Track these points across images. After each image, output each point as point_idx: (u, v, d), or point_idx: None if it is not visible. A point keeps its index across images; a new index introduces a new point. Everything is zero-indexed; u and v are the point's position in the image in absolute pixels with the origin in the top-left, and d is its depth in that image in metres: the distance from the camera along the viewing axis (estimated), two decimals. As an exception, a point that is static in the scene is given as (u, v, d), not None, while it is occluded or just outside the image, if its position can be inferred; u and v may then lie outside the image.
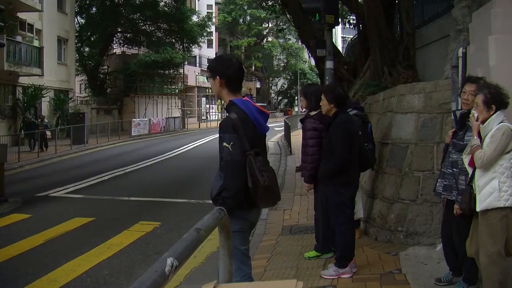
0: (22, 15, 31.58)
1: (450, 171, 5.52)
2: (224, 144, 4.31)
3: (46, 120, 29.59)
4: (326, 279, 6.24)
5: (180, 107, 53.24)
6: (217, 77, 4.51)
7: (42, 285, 6.91)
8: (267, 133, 4.72)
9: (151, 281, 2.11)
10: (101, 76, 49.57)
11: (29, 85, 32.08)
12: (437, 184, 5.76)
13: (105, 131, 34.61)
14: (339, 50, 20.93)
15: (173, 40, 50.09)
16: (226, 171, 4.37)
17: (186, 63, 54.32)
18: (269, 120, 5.04)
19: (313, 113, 7.06)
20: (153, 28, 49.75)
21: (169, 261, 2.30)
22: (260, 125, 4.49)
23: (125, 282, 6.96)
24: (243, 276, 4.44)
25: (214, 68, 4.59)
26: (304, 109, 7.87)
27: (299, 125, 9.97)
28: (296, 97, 75.87)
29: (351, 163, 6.20)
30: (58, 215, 11.18)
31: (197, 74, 62.26)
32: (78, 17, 45.86)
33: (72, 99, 38.86)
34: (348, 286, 6.06)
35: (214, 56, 68.93)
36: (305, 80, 76.65)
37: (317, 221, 7.26)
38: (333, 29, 12.89)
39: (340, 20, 14.70)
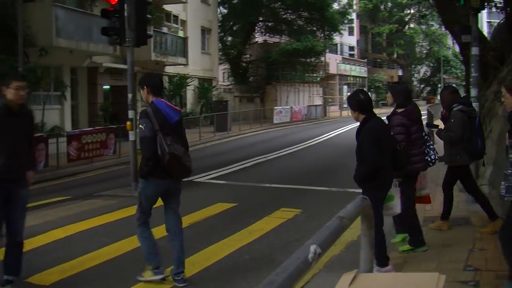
0: (167, 7, 32.74)
1: (511, 171, 5.13)
2: (139, 125, 6.30)
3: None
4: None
5: (321, 95, 52.96)
6: (145, 87, 6.44)
7: (185, 267, 6.78)
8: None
9: (294, 267, 2.16)
10: (244, 64, 50.40)
11: (175, 74, 33.21)
12: (501, 186, 5.23)
13: (247, 119, 35.04)
14: (485, 36, 19.70)
15: (314, 28, 49.79)
16: (141, 144, 6.46)
17: (327, 51, 53.84)
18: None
19: (400, 110, 7.14)
20: (294, 16, 49.64)
21: (312, 248, 2.33)
22: (170, 116, 6.31)
23: (265, 267, 6.76)
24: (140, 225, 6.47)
25: (143, 81, 6.56)
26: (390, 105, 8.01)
27: (439, 114, 9.18)
28: (439, 85, 72.79)
29: (383, 167, 6.21)
30: (202, 200, 11.21)
31: (338, 62, 61.51)
32: (220, 7, 46.83)
33: (216, 88, 39.75)
34: (492, 282, 5.60)
35: (355, 43, 68.12)
36: (448, 68, 73.47)
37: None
38: (479, 14, 11.86)
39: (485, 4, 13.56)
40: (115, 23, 12.97)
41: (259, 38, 52.80)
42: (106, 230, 9.07)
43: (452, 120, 7.63)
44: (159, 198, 6.50)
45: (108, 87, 28.32)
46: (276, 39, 50.98)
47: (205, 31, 39.31)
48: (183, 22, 35.67)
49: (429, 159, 7.11)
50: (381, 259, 6.15)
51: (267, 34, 51.19)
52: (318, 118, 46.36)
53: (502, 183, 5.24)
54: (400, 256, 6.75)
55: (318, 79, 54.11)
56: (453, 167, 8.08)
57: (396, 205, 6.68)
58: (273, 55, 46.67)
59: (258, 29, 51.26)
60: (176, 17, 34.56)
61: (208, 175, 14.79)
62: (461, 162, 7.89)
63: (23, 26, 17.96)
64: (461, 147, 7.70)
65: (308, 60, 49.96)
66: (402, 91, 7.36)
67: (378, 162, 6.16)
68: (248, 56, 50.83)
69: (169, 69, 33.13)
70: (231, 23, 49.29)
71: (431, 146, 7.17)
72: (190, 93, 35.85)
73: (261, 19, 49.72)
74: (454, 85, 22.89)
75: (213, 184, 13.65)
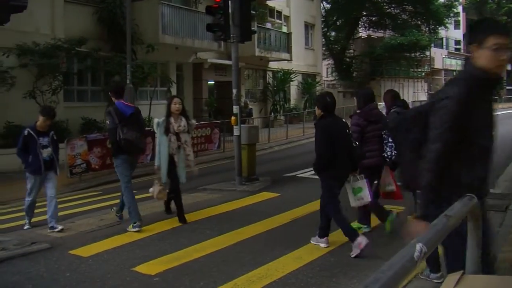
0: (271, 3, 32.84)
1: None
2: (106, 121, 9.60)
3: (250, 106, 27.34)
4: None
5: (426, 90, 51.48)
6: (110, 92, 9.42)
7: (288, 261, 6.82)
8: None
9: (400, 266, 2.13)
10: (347, 60, 49.88)
11: (279, 70, 33.26)
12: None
13: (351, 114, 34.51)
14: None
15: (419, 22, 48.74)
16: (108, 134, 9.86)
17: (433, 45, 52.24)
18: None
19: (358, 111, 8.13)
20: (398, 10, 48.59)
21: (418, 246, 2.31)
22: (125, 111, 8.80)
23: (369, 264, 6.54)
24: (125, 189, 8.99)
25: (109, 88, 10.09)
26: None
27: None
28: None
29: (336, 159, 7.12)
30: (305, 195, 11.03)
31: (444, 56, 59.62)
32: (324, 2, 46.43)
33: (319, 83, 39.50)
34: None
35: (461, 37, 65.59)
36: None
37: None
38: None
39: None
40: (219, 20, 13.09)
41: (362, 33, 52.19)
42: (211, 223, 9.10)
43: (387, 120, 8.06)
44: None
45: (213, 82, 28.74)
46: (380, 33, 50.19)
47: (308, 26, 39.10)
48: (287, 18, 35.66)
49: (385, 155, 7.85)
50: (323, 230, 7.54)
51: (371, 29, 50.50)
52: (424, 114, 44.91)
53: None
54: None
55: (423, 74, 52.70)
56: None
57: (365, 195, 7.57)
58: (377, 50, 46.01)
59: (362, 23, 50.66)
60: (279, 12, 34.60)
61: (311, 171, 14.56)
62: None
63: (131, 24, 18.47)
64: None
65: (412, 54, 48.90)
66: (362, 95, 8.32)
67: (327, 155, 7.14)
68: (351, 51, 50.33)
69: (273, 65, 33.24)
70: (335, 18, 48.88)
71: (389, 144, 7.77)
72: (293, 89, 35.79)
73: (364, 13, 49.04)
74: None
75: (316, 180, 13.36)
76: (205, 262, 6.82)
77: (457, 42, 67.95)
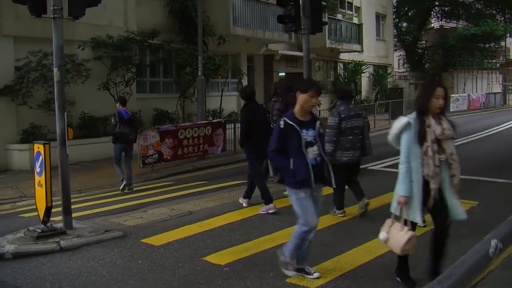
0: (342, -6, 32.44)
1: None
2: (112, 121, 13.06)
3: None
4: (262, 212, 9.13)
5: (501, 82, 49.78)
6: (116, 102, 13.19)
7: (358, 254, 6.77)
8: None
9: (473, 262, 2.21)
10: (419, 51, 48.91)
11: (349, 61, 32.96)
12: None
13: (423, 107, 33.82)
14: None
15: (494, 12, 47.31)
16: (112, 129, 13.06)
17: (508, 35, 50.38)
18: None
19: (274, 99, 10.76)
20: (472, 0, 47.12)
21: (493, 243, 2.37)
22: (123, 115, 12.50)
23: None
24: (114, 163, 13.03)
25: (118, 99, 13.46)
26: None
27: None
28: None
29: (255, 137, 9.12)
30: (375, 188, 10.80)
31: (519, 47, 57.48)
32: (395, -8, 45.63)
33: (391, 75, 38.92)
34: None
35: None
36: None
37: None
38: None
39: None
40: (290, 11, 13.05)
41: (435, 24, 51.19)
42: (281, 214, 9.03)
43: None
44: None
45: (284, 74, 28.70)
46: (453, 24, 48.99)
47: (379, 17, 38.51)
48: (358, 9, 35.23)
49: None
50: (266, 197, 9.23)
51: (444, 19, 49.37)
52: (497, 107, 43.88)
53: None
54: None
55: (498, 65, 50.97)
56: None
57: None
58: (450, 41, 44.82)
59: (434, 14, 49.67)
60: (350, 3, 34.21)
61: (382, 163, 14.33)
62: None
63: (202, 16, 18.62)
64: None
65: (487, 45, 47.41)
66: (281, 87, 10.69)
67: (248, 133, 9.22)
68: (424, 42, 49.30)
69: (343, 56, 32.96)
70: (406, 9, 47.97)
71: None
72: (364, 80, 35.37)
73: (437, 3, 47.87)
74: None
75: (387, 173, 13.15)
76: (275, 253, 6.75)
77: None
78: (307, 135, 5.66)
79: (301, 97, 5.68)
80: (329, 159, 6.40)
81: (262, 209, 9.18)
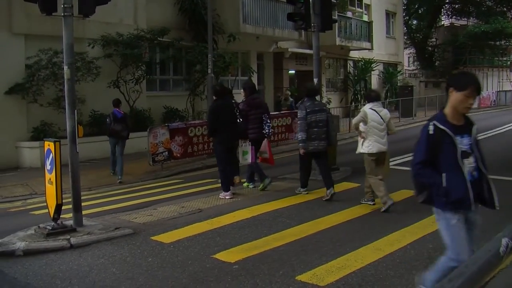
0: (352, -8, 32.33)
1: None
2: (107, 120, 14.43)
3: (291, 99, 24.85)
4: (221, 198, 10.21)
5: (511, 80, 49.48)
6: (113, 104, 14.50)
7: (367, 252, 6.73)
8: None
9: (484, 260, 2.14)
10: (429, 48, 48.74)
11: (359, 59, 32.86)
12: None
13: (433, 104, 33.60)
14: None
15: (504, 9, 46.97)
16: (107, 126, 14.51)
17: (518, 33, 50.11)
18: None
19: (243, 98, 11.23)
20: (482, -3, 46.96)
21: (504, 241, 2.30)
22: (116, 115, 14.06)
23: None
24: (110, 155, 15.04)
25: (113, 102, 14.55)
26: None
27: None
28: None
29: (222, 130, 10.15)
30: (387, 186, 10.80)
31: (531, 44, 57.04)
32: (405, -10, 45.46)
33: (401, 72, 38.79)
34: None
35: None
36: None
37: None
38: None
39: None
40: (300, 9, 13.03)
41: (445, 21, 50.94)
42: (290, 212, 9.06)
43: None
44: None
45: (293, 72, 28.65)
46: (463, 21, 48.71)
47: (389, 15, 38.36)
48: (367, 6, 35.08)
49: (264, 132, 11.00)
50: (224, 185, 10.32)
51: (454, 17, 49.14)
52: (508, 105, 43.58)
53: None
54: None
55: (508, 63, 50.64)
56: None
57: (249, 157, 10.70)
58: (460, 39, 44.53)
59: (444, 11, 49.47)
60: (360, 1, 34.08)
61: (393, 161, 14.24)
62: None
63: (212, 14, 18.62)
64: None
65: (497, 43, 46.95)
66: (248, 87, 11.20)
67: (214, 127, 10.21)
68: (434, 40, 49.10)
69: (353, 54, 32.88)
70: (416, 6, 47.84)
71: (268, 124, 11.05)
72: (374, 78, 35.27)
73: (447, 1, 47.67)
74: None
75: (398, 171, 13.10)
76: (285, 251, 6.78)
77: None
78: (462, 143, 4.46)
79: (454, 96, 4.45)
80: (300, 146, 10.02)
81: (221, 194, 10.38)
